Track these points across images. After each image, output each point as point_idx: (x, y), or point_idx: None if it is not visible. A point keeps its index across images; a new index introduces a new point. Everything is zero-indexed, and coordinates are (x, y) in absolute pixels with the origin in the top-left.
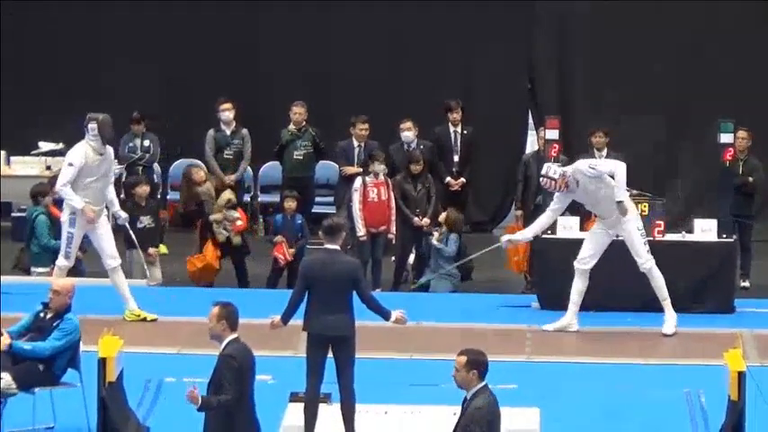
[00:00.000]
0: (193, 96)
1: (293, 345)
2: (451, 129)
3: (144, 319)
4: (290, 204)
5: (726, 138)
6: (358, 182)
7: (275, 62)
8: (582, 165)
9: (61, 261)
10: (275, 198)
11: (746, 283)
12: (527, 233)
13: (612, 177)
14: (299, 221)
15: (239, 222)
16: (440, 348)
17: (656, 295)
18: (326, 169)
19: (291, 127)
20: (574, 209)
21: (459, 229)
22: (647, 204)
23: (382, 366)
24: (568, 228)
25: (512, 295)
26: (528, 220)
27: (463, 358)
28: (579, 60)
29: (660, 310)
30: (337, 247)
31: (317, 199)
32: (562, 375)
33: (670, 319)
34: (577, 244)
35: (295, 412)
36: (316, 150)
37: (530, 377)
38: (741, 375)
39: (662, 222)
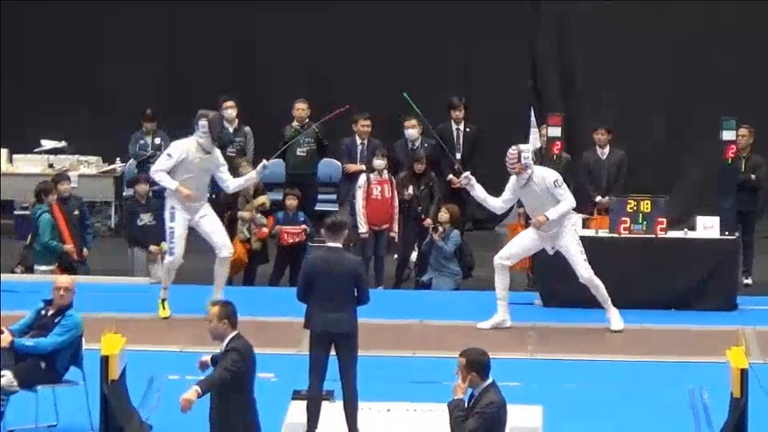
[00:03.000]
0: (193, 95)
1: (296, 342)
2: (454, 126)
3: None
4: (291, 202)
5: (728, 135)
6: (362, 179)
7: (275, 60)
8: (551, 175)
9: (167, 258)
10: (278, 196)
11: (749, 281)
12: (480, 191)
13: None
14: (302, 218)
15: (264, 229)
16: (442, 346)
17: (599, 300)
18: (328, 166)
19: (294, 123)
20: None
21: (458, 224)
22: (649, 202)
23: (385, 364)
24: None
25: (514, 292)
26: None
27: (462, 360)
28: (581, 59)
29: (666, 307)
30: (339, 245)
31: (320, 196)
32: (565, 372)
33: (615, 316)
34: (582, 241)
35: (297, 410)
36: (319, 147)
37: (533, 374)
38: (743, 372)
39: (664, 220)
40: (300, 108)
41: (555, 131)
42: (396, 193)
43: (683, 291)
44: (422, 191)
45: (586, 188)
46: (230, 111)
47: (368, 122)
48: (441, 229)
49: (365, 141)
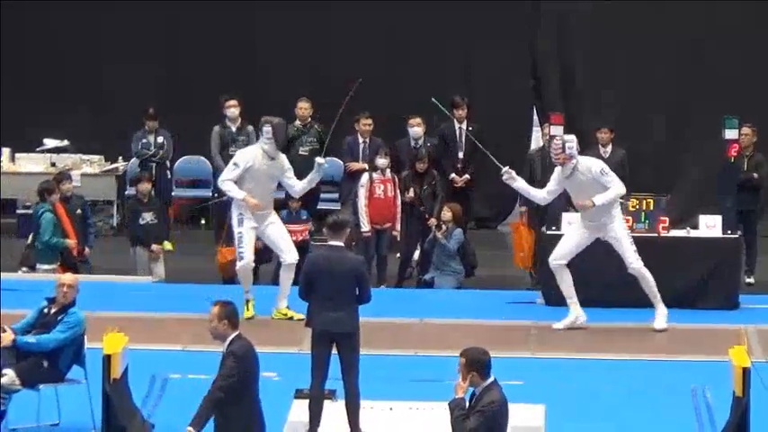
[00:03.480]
0: (193, 95)
1: (298, 341)
2: (456, 125)
3: (291, 318)
4: (294, 204)
5: (731, 134)
6: (364, 178)
7: (275, 60)
8: (596, 164)
9: (237, 264)
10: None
11: (751, 279)
12: (522, 183)
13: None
14: (304, 217)
15: None
16: (444, 345)
17: (647, 294)
18: (331, 165)
19: (297, 123)
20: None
21: (461, 222)
22: (651, 201)
23: (387, 363)
24: (573, 223)
25: (517, 291)
26: (532, 215)
27: (463, 359)
28: (581, 59)
29: (668, 306)
30: (341, 244)
31: (322, 195)
32: (567, 371)
33: (661, 315)
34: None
35: (300, 409)
36: (321, 146)
37: (535, 373)
38: (746, 371)
39: (666, 219)
40: (303, 107)
41: (557, 130)
42: (398, 191)
43: (686, 290)
44: (424, 190)
45: None
46: (233, 110)
47: (369, 121)
48: (443, 227)
49: (367, 140)
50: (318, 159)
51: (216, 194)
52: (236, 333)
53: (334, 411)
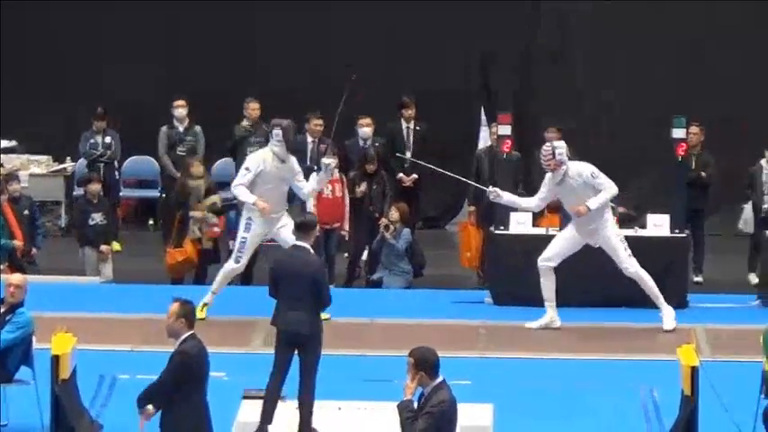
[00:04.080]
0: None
1: (247, 341)
2: (404, 125)
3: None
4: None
5: (678, 133)
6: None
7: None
8: (586, 168)
9: (229, 264)
10: (229, 195)
11: (700, 278)
12: (509, 196)
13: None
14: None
15: (216, 229)
16: (393, 345)
17: (649, 295)
18: None
19: (245, 123)
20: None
21: (409, 222)
22: None
23: (336, 362)
24: (522, 223)
25: (465, 291)
26: (480, 215)
27: (411, 359)
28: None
29: (618, 305)
30: (307, 245)
31: None
32: (516, 371)
33: (667, 316)
34: (531, 239)
35: (248, 409)
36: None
37: (483, 373)
38: (694, 370)
39: (615, 218)
40: (253, 108)
41: (505, 130)
42: (347, 191)
43: (636, 289)
44: (373, 190)
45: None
46: (180, 110)
47: (320, 122)
48: (392, 227)
49: (316, 140)
50: (325, 160)
51: (162, 195)
52: (190, 333)
53: (283, 411)
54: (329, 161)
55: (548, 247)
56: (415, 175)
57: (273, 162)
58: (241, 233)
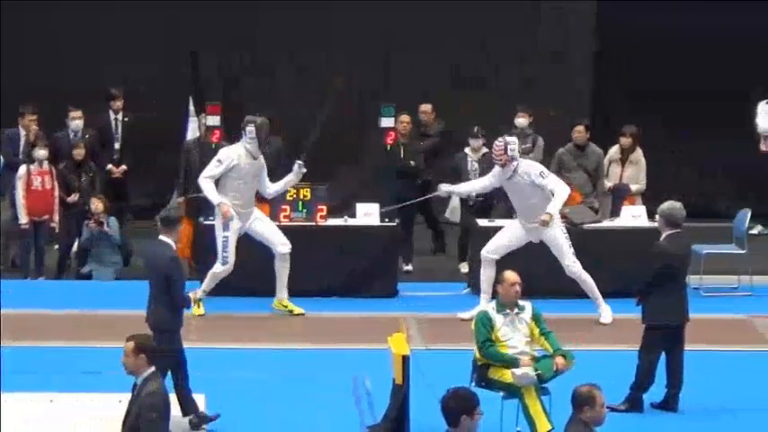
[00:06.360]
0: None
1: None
2: (113, 116)
3: (291, 312)
4: None
5: (387, 122)
6: (22, 170)
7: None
8: (535, 167)
9: (218, 267)
10: None
11: (410, 267)
12: (463, 187)
13: (552, 194)
14: None
15: None
16: (104, 336)
17: (589, 295)
18: None
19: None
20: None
21: (114, 212)
22: (308, 190)
23: (49, 354)
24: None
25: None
26: (190, 205)
27: (131, 344)
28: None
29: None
30: (168, 240)
31: None
32: (229, 361)
33: (605, 310)
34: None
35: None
36: None
37: (197, 363)
38: (405, 359)
39: (324, 207)
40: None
41: (214, 120)
42: (56, 183)
43: (350, 278)
44: (83, 181)
45: None
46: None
47: (34, 117)
48: (100, 219)
49: (28, 133)
50: (298, 161)
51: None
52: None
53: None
54: (301, 162)
55: (493, 238)
56: (124, 167)
57: (246, 158)
58: (222, 233)
